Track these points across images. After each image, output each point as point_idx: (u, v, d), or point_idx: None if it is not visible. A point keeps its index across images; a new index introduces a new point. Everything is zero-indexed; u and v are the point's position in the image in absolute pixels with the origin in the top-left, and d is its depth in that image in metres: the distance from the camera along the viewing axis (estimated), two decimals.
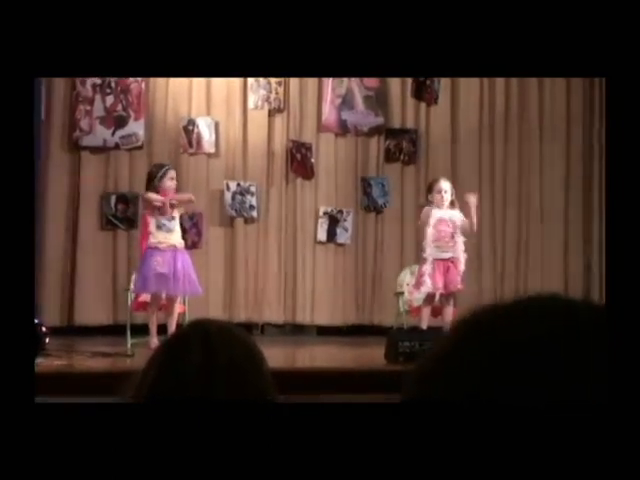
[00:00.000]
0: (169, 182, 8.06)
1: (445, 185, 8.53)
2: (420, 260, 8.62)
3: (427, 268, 8.43)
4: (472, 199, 8.42)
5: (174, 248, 7.99)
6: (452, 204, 8.56)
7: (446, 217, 8.49)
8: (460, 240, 8.49)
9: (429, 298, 8.56)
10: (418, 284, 8.57)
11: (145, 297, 8.29)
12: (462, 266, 8.48)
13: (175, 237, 8.02)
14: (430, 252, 8.46)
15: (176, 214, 8.10)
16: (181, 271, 7.98)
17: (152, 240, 7.97)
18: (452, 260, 8.45)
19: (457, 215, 8.54)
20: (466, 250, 8.60)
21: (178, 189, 8.38)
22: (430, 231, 8.45)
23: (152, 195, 8.00)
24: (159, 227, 7.98)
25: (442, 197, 8.46)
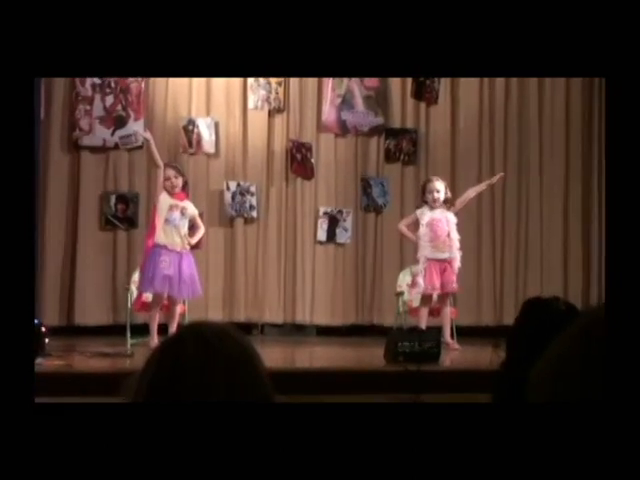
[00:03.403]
0: (165, 182, 8.06)
1: (438, 185, 8.60)
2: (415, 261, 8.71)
3: (420, 268, 8.49)
4: (494, 179, 9.15)
5: (180, 250, 8.00)
6: (447, 204, 8.62)
7: (441, 216, 8.55)
8: (455, 238, 8.55)
9: (426, 299, 8.59)
10: (413, 284, 8.63)
11: (147, 297, 8.29)
12: (458, 263, 8.53)
13: (182, 239, 8.02)
14: (424, 252, 8.52)
15: (186, 214, 8.10)
16: (186, 273, 7.99)
17: (159, 238, 7.96)
18: (449, 261, 8.50)
19: (451, 215, 8.60)
20: (463, 248, 8.65)
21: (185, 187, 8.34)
22: (424, 231, 8.51)
23: (160, 197, 8.07)
24: (168, 221, 7.98)
25: (434, 197, 8.54)
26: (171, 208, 8.00)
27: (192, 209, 8.20)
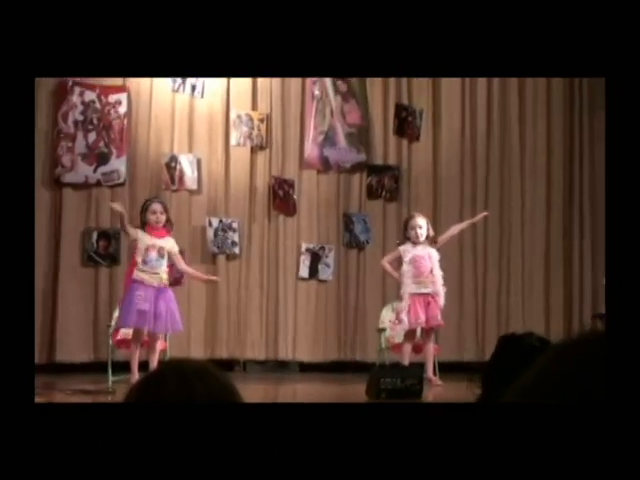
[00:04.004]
0: (151, 216, 8.06)
1: (421, 221, 8.64)
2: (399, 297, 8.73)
3: (404, 305, 8.50)
4: (477, 219, 9.33)
5: (158, 285, 7.98)
6: (431, 241, 8.66)
7: (424, 253, 8.57)
8: (439, 274, 8.57)
9: (410, 334, 8.59)
10: (397, 321, 8.65)
11: (126, 333, 8.26)
12: (442, 300, 8.56)
13: (160, 276, 8.01)
14: (407, 289, 8.54)
15: (165, 252, 8.08)
16: (163, 309, 7.96)
17: (137, 275, 7.96)
18: (432, 295, 8.51)
19: (434, 252, 8.63)
20: (445, 284, 8.67)
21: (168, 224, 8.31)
22: (407, 268, 8.54)
23: (130, 230, 8.07)
24: (145, 262, 7.98)
25: (416, 233, 8.57)
26: (148, 249, 8.00)
27: (171, 246, 8.19)
